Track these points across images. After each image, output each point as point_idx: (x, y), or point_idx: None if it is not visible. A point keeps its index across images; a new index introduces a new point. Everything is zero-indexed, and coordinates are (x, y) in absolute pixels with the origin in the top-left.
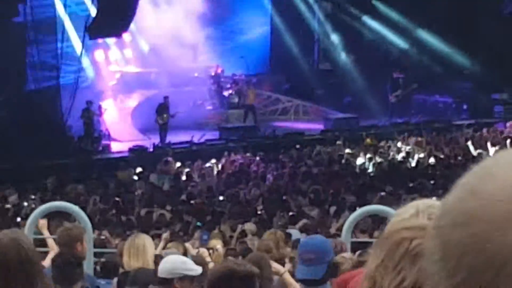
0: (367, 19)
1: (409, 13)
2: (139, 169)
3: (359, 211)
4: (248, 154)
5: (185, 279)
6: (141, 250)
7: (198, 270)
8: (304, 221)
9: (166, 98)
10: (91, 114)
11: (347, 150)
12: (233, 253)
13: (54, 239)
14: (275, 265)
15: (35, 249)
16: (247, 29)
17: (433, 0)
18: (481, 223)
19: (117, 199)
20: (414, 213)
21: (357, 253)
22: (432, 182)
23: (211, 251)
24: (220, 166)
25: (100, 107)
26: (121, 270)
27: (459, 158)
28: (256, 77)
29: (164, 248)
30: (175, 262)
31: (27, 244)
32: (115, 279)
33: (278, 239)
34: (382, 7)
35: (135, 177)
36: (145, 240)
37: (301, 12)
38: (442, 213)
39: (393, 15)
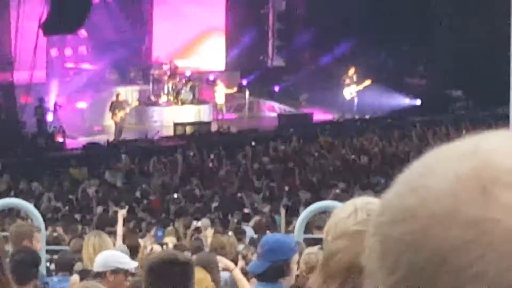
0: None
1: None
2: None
3: (311, 207)
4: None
5: (118, 272)
6: (104, 248)
7: (131, 264)
8: (256, 218)
9: (118, 95)
10: (44, 111)
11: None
12: (183, 249)
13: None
14: (226, 262)
15: None
16: (200, 25)
17: None
18: (420, 220)
19: (71, 196)
20: (353, 211)
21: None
22: (385, 179)
23: (165, 246)
24: (174, 163)
25: (55, 104)
26: (81, 267)
27: (412, 154)
28: (211, 73)
29: (123, 224)
30: (108, 256)
31: None
32: (75, 276)
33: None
34: None
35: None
36: (106, 238)
37: (257, 8)
38: (381, 210)
39: None
